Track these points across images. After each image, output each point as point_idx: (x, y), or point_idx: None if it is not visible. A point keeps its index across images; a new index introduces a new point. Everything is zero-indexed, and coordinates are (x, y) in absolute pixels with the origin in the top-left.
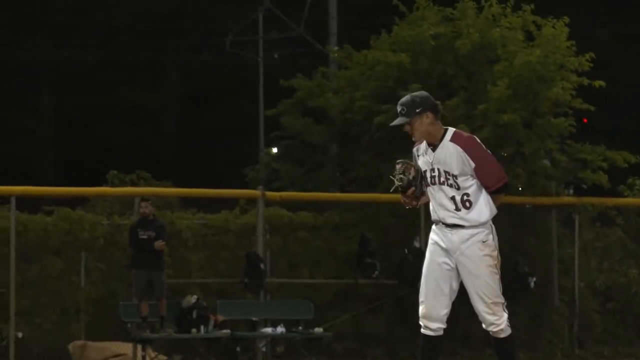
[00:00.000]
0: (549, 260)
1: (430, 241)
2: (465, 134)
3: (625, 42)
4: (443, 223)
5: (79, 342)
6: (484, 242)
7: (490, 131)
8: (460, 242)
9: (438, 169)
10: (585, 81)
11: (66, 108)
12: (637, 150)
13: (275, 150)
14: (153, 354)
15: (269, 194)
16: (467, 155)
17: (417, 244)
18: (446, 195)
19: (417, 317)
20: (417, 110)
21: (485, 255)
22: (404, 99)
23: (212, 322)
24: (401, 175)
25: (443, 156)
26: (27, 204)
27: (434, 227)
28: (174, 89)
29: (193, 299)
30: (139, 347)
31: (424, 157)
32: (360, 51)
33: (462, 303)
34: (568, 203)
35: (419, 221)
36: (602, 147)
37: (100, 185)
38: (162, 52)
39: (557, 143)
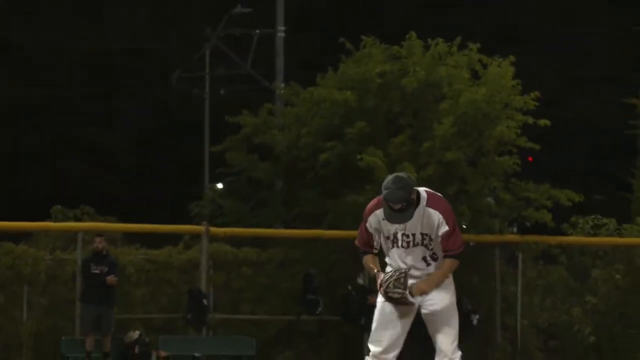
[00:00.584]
0: (492, 298)
1: None
2: (436, 195)
3: (572, 83)
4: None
5: None
6: (448, 283)
7: (434, 169)
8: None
9: (413, 234)
10: (531, 120)
11: (14, 145)
12: (581, 189)
13: (220, 186)
14: None
15: (212, 229)
16: (444, 220)
17: (360, 281)
18: (419, 256)
19: (360, 354)
20: (413, 197)
21: (450, 294)
22: (398, 196)
23: (154, 358)
24: (399, 291)
25: (421, 221)
26: None
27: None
28: (121, 125)
29: (135, 334)
30: None
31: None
32: (307, 88)
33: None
34: (511, 241)
35: None
36: (547, 185)
37: (44, 220)
38: (111, 90)
39: (501, 181)
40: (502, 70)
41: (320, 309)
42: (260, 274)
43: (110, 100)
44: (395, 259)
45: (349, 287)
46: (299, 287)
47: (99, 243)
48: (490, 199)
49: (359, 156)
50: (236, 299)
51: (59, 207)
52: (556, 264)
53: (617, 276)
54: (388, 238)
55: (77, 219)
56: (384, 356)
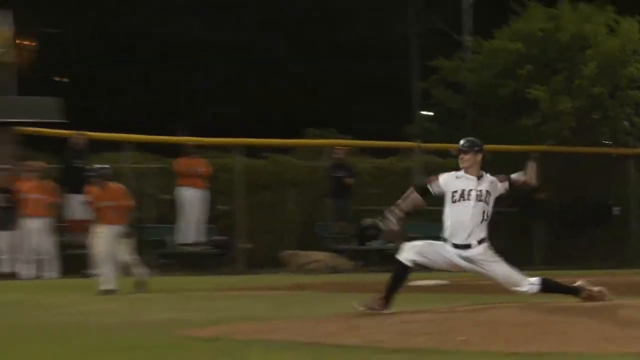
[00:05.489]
0: (627, 197)
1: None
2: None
3: None
4: (466, 244)
5: (290, 251)
6: (487, 246)
7: (584, 100)
8: (476, 254)
9: (480, 190)
10: None
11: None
12: None
13: (430, 114)
14: (343, 261)
15: (423, 145)
16: (500, 185)
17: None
18: (480, 210)
19: None
20: (476, 149)
21: (492, 254)
22: (470, 138)
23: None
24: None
25: (488, 183)
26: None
27: (447, 246)
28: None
29: (369, 220)
30: (333, 255)
31: (461, 180)
32: (487, 40)
33: None
34: None
35: None
36: None
37: (299, 138)
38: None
39: (633, 109)
40: (631, 26)
41: None
42: None
43: None
44: (458, 212)
45: None
46: None
47: (339, 153)
48: (625, 122)
49: (527, 91)
50: None
51: (312, 129)
52: None
53: None
54: (455, 192)
55: (322, 137)
56: (410, 260)
